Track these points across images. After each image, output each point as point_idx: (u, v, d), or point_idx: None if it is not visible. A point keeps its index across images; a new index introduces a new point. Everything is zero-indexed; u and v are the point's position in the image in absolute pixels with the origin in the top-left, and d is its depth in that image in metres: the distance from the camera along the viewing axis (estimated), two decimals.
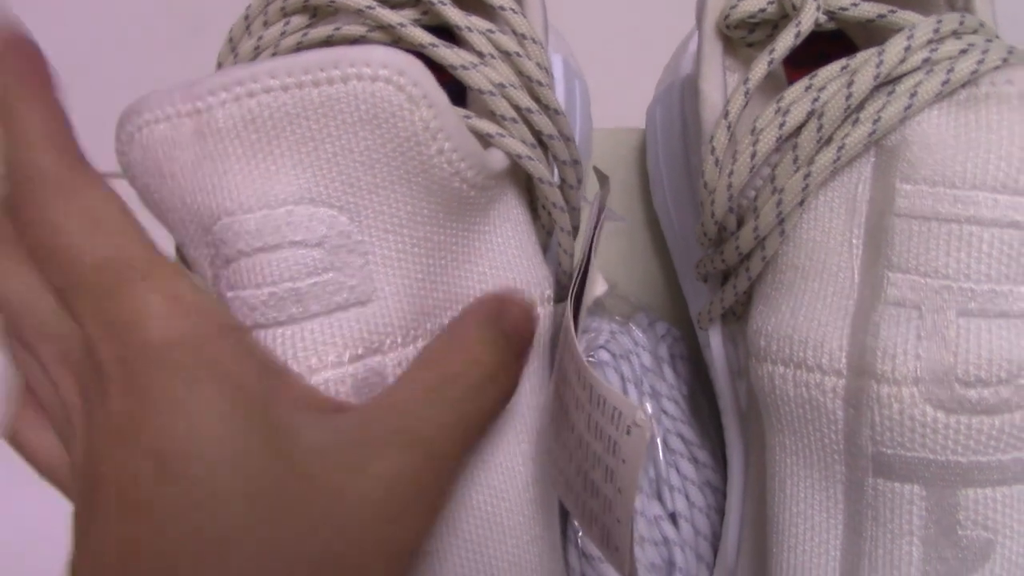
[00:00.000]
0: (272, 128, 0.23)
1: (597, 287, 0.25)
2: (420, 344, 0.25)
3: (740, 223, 0.26)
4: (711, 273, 0.28)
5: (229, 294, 0.24)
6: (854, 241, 0.24)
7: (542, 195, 0.27)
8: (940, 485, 0.23)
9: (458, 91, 0.27)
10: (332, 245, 0.24)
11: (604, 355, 0.32)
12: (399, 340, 0.25)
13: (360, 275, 0.24)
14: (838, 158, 0.23)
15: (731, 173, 0.25)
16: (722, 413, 0.30)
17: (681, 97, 0.33)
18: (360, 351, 0.24)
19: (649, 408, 0.32)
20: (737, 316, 0.29)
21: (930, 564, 0.23)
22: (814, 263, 0.25)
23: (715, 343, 0.30)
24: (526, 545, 0.27)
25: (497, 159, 0.26)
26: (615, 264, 0.38)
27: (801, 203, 0.24)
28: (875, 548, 0.24)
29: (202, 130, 0.23)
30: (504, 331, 0.25)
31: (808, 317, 0.24)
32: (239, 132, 0.23)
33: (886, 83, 0.23)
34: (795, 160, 0.24)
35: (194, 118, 0.23)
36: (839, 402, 0.24)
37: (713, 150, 0.25)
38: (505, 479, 0.27)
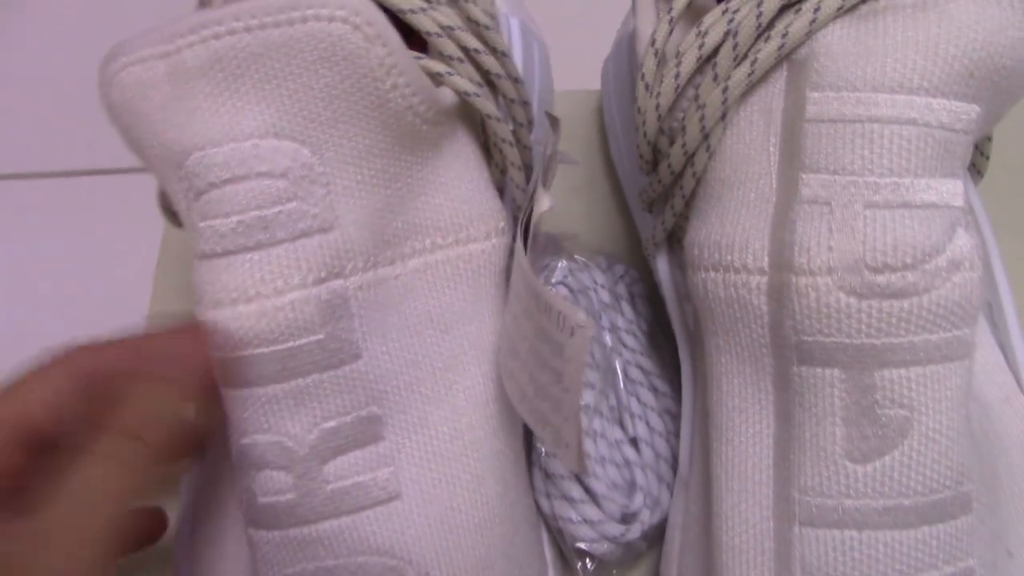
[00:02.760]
0: (237, 68, 0.25)
1: (543, 204, 0.27)
2: (380, 270, 0.27)
3: (671, 143, 0.28)
4: (654, 199, 0.30)
5: (201, 224, 0.26)
6: (771, 149, 0.26)
7: (492, 132, 0.29)
8: (857, 368, 0.25)
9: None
10: (296, 176, 0.26)
11: (562, 290, 0.34)
12: (360, 265, 0.27)
13: (322, 204, 0.26)
14: (752, 72, 0.26)
15: (659, 95, 0.27)
16: (677, 337, 0.32)
17: (629, 46, 0.35)
18: (323, 275, 0.26)
19: (608, 341, 0.34)
20: (680, 241, 0.31)
21: (852, 442, 0.25)
22: (737, 173, 0.27)
23: (662, 269, 0.32)
24: (487, 459, 0.28)
25: (448, 96, 0.28)
26: (577, 218, 0.40)
27: (723, 117, 0.26)
28: (803, 432, 0.25)
29: (173, 71, 0.25)
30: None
31: (733, 223, 0.26)
32: (206, 72, 0.25)
33: (793, 3, 0.26)
34: (715, 78, 0.26)
35: (165, 60, 0.25)
36: (763, 298, 0.26)
37: (643, 76, 0.27)
38: (465, 397, 0.28)
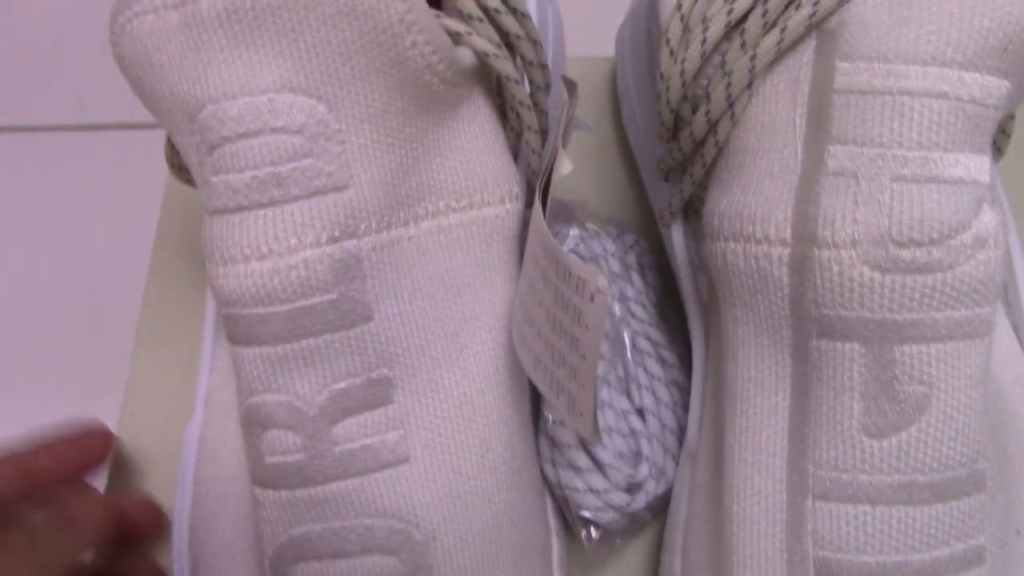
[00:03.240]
0: (254, 19, 0.25)
1: (564, 167, 0.26)
2: (393, 232, 0.27)
3: (694, 111, 0.27)
4: (672, 167, 0.30)
5: (214, 179, 0.25)
6: (797, 120, 0.26)
7: (510, 95, 0.29)
8: (878, 343, 0.24)
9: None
10: (311, 133, 0.25)
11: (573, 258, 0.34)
12: (373, 226, 0.26)
13: (338, 162, 0.25)
14: (781, 40, 0.25)
15: (684, 60, 0.27)
16: (686, 306, 0.32)
17: (647, 12, 0.34)
18: (337, 234, 0.26)
19: (617, 311, 0.34)
20: (696, 212, 0.30)
21: (870, 417, 0.25)
22: (761, 143, 0.26)
23: (677, 240, 0.31)
24: (495, 424, 0.28)
25: (466, 56, 0.27)
26: (587, 186, 0.39)
27: (749, 86, 0.26)
28: (819, 406, 0.25)
29: (187, 21, 0.25)
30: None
31: (756, 194, 0.26)
32: (223, 23, 0.25)
33: None
34: (743, 45, 0.26)
35: (180, 10, 0.25)
36: (784, 269, 0.25)
37: (668, 41, 0.27)
38: (476, 362, 0.28)
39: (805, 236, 0.25)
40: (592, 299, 0.23)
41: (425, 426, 0.27)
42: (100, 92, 0.54)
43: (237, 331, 0.26)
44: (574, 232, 0.34)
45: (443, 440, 0.27)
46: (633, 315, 0.34)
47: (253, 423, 0.26)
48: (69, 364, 0.46)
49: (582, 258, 0.34)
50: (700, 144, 0.28)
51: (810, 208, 0.25)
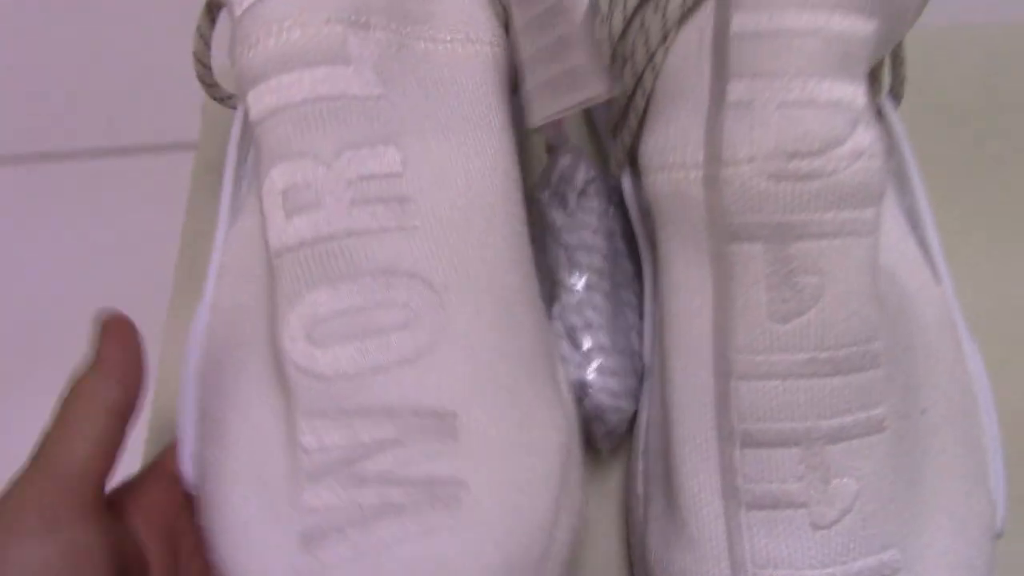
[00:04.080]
0: None
1: None
2: (400, 36, 0.30)
3: (623, 67, 0.33)
4: (616, 122, 0.35)
5: None
6: (703, 64, 0.31)
7: None
8: (776, 242, 0.29)
9: None
10: None
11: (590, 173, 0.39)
12: (382, 23, 0.30)
13: None
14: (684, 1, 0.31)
15: (611, 24, 0.32)
16: (639, 245, 0.37)
17: None
18: (352, 17, 0.29)
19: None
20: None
21: (775, 305, 0.30)
22: (679, 87, 0.32)
23: (627, 187, 0.37)
24: (499, 221, 0.31)
25: None
26: None
27: (664, 39, 0.31)
28: (734, 300, 0.30)
29: None
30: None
31: (675, 130, 0.31)
32: None
33: None
34: (655, 7, 0.31)
35: None
36: (699, 188, 0.30)
37: (598, 9, 0.33)
38: (480, 161, 0.31)
39: (713, 158, 0.30)
40: None
41: (430, 198, 0.29)
42: (125, 115, 0.57)
43: (260, 103, 0.29)
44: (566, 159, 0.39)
45: (448, 211, 0.30)
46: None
47: (273, 192, 0.29)
48: None
49: (576, 181, 0.38)
50: (631, 96, 0.33)
51: (716, 135, 0.30)
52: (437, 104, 0.31)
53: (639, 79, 0.32)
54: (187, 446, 0.31)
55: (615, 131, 0.36)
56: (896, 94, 0.36)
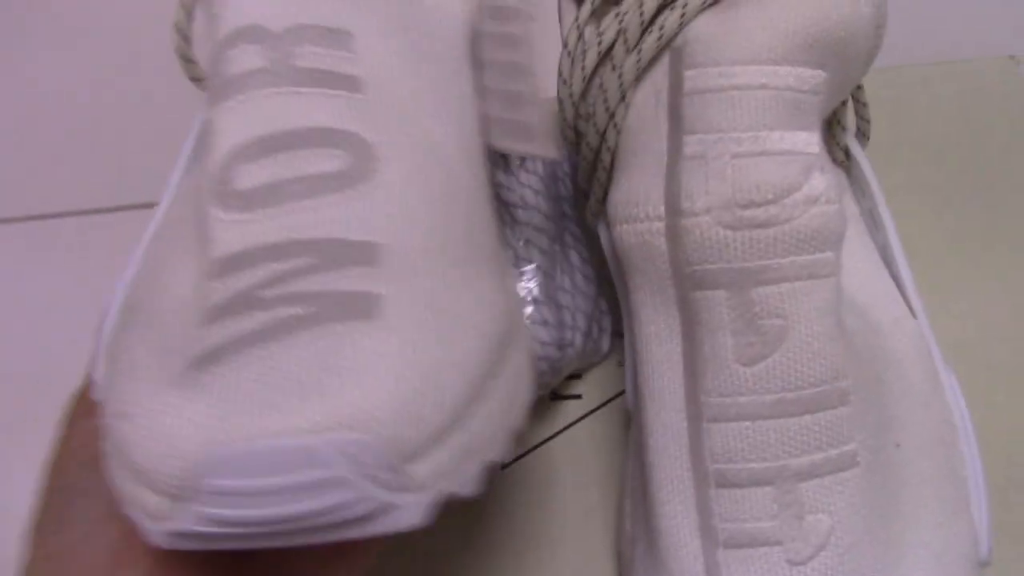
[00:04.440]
0: None
1: None
2: None
3: (587, 124, 0.34)
4: (586, 176, 0.37)
5: None
6: (661, 121, 0.32)
7: None
8: (738, 287, 0.31)
9: None
10: None
11: None
12: None
13: None
14: (639, 59, 0.32)
15: (572, 85, 0.33)
16: (619, 297, 0.38)
17: None
18: None
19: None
20: None
21: (740, 349, 0.31)
22: (639, 143, 0.33)
23: (603, 235, 0.38)
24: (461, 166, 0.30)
25: None
26: None
27: (623, 99, 0.33)
28: (702, 345, 0.31)
29: None
30: None
31: (638, 183, 0.33)
32: None
33: (667, 3, 0.32)
34: (613, 68, 0.33)
35: None
36: (662, 239, 0.32)
37: (560, 73, 0.34)
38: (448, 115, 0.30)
39: (673, 210, 0.31)
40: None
41: (382, 73, 0.29)
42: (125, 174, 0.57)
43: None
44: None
45: (397, 92, 0.29)
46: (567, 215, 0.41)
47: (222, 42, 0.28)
48: None
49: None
50: (597, 152, 0.34)
51: (675, 187, 0.31)
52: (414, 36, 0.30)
53: (603, 136, 0.34)
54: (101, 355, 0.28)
55: (588, 183, 0.37)
56: (862, 134, 0.37)
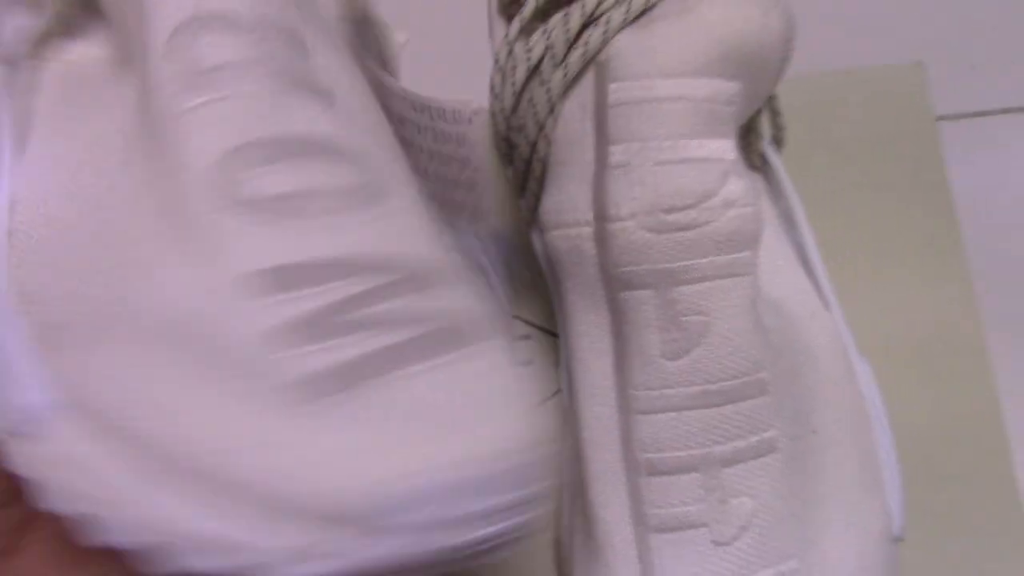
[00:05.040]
0: None
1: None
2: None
3: (519, 136, 0.36)
4: (520, 186, 0.39)
5: None
6: (587, 132, 0.34)
7: None
8: (662, 287, 0.32)
9: None
10: None
11: None
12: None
13: None
14: (566, 74, 0.34)
15: (503, 100, 0.35)
16: (552, 302, 0.40)
17: None
18: None
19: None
20: None
21: (665, 344, 0.33)
22: (568, 154, 0.35)
23: (537, 243, 0.40)
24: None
25: None
26: None
27: (551, 112, 0.35)
28: (630, 342, 0.33)
29: None
30: None
31: (568, 191, 0.34)
32: None
33: (590, 21, 0.34)
34: (541, 82, 0.34)
35: None
36: (591, 243, 0.34)
37: (492, 88, 0.36)
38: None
39: (601, 216, 0.33)
40: (471, 120, 0.31)
41: None
42: None
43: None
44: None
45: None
46: None
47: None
48: None
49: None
50: (529, 163, 0.36)
51: (602, 194, 0.33)
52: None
53: (533, 147, 0.35)
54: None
55: (521, 193, 0.39)
56: (777, 141, 0.40)
